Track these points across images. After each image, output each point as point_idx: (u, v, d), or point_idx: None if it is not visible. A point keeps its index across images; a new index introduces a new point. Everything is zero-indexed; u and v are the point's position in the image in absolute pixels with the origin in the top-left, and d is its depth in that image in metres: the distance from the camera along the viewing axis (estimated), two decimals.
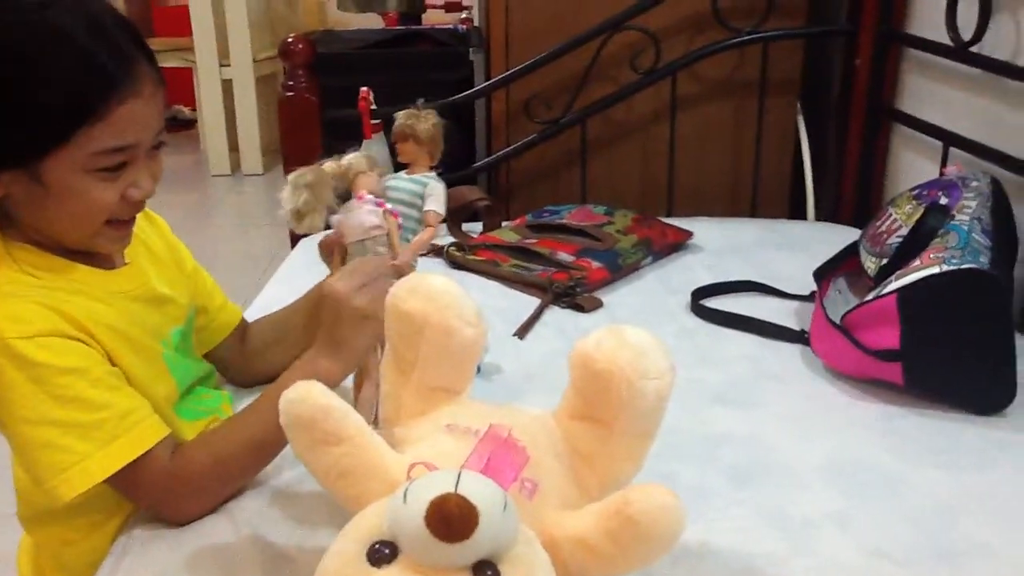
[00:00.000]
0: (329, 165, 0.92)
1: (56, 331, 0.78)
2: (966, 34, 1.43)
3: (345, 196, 0.92)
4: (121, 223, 0.84)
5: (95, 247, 0.85)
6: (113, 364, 0.82)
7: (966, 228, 1.11)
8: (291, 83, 1.70)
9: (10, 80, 0.75)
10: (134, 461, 0.79)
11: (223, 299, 1.08)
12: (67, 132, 0.76)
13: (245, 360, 1.07)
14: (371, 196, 0.94)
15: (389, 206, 0.93)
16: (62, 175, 0.78)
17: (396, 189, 0.95)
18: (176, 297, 0.95)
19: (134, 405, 0.81)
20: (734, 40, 1.75)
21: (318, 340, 0.86)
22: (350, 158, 0.90)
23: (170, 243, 1.01)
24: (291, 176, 0.88)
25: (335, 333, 0.85)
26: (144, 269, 0.93)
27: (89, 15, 0.77)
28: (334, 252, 0.93)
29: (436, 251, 1.55)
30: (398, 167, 1.11)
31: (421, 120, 0.95)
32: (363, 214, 0.92)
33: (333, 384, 0.84)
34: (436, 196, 0.94)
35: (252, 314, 1.14)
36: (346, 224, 0.91)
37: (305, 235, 0.90)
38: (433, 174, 0.96)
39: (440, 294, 0.76)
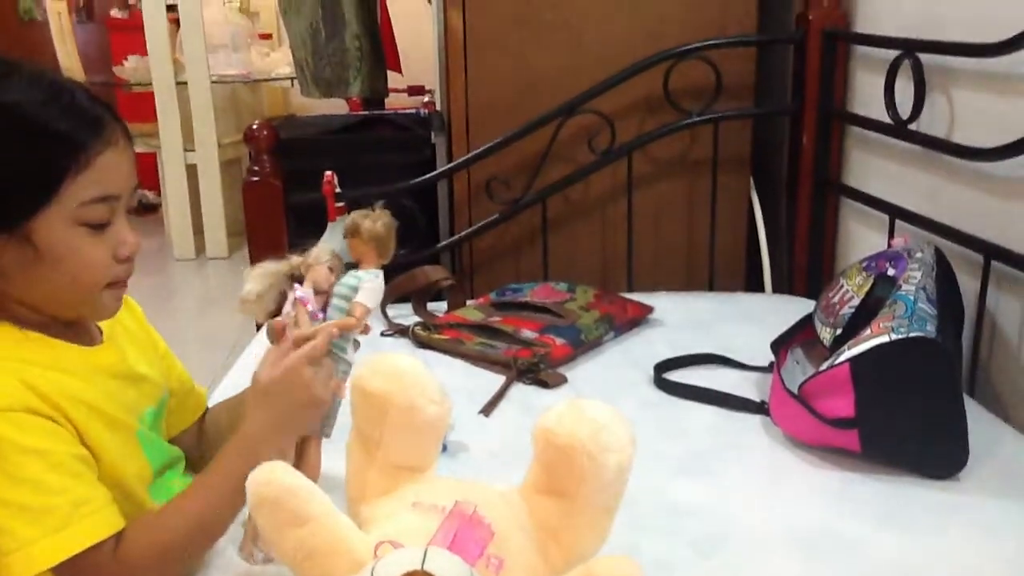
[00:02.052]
0: (296, 259, 0.95)
1: (26, 407, 0.78)
2: (904, 112, 1.51)
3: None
4: (118, 284, 0.86)
5: (95, 311, 0.87)
6: (84, 442, 0.81)
7: (912, 297, 1.15)
8: (256, 168, 1.73)
9: (2, 135, 0.78)
10: (82, 552, 0.77)
11: (191, 384, 1.08)
12: (55, 185, 0.78)
13: (203, 447, 1.06)
14: (299, 286, 0.96)
15: (299, 294, 0.94)
16: (53, 233, 0.79)
17: (340, 284, 0.98)
18: (152, 377, 0.96)
19: (92, 495, 0.80)
20: (686, 121, 1.82)
21: (258, 422, 0.87)
22: (316, 251, 0.93)
23: (145, 327, 1.02)
24: (265, 266, 0.91)
25: (285, 413, 0.87)
26: (122, 346, 0.93)
27: (54, 78, 0.83)
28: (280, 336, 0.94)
29: (401, 331, 1.56)
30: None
31: (369, 219, 0.98)
32: (288, 303, 0.94)
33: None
34: (367, 290, 0.97)
35: (216, 400, 1.14)
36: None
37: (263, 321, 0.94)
38: (374, 271, 0.99)
39: (403, 373, 0.78)
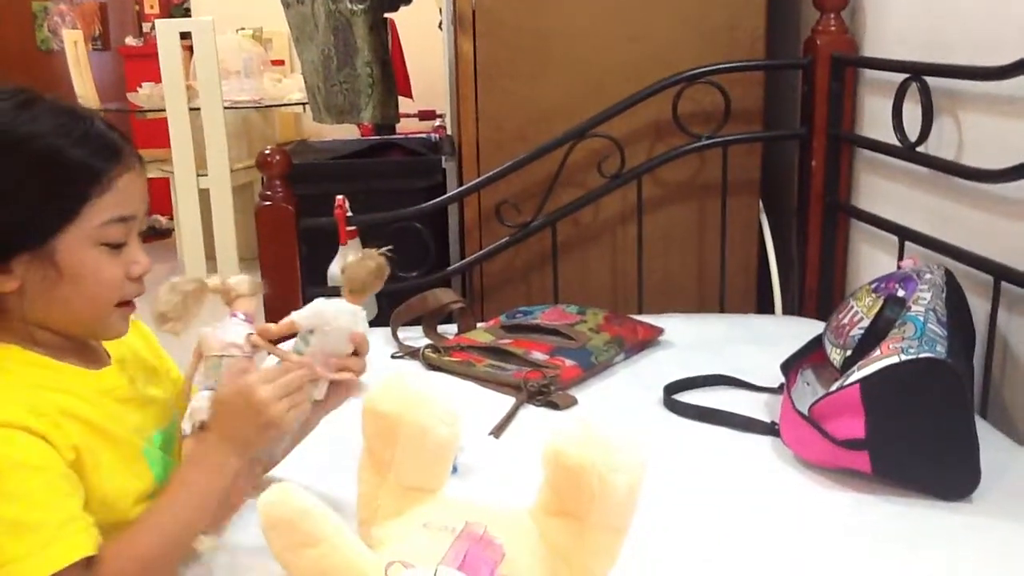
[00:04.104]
0: (213, 281, 0.96)
1: (23, 426, 0.79)
2: (912, 135, 1.51)
3: None
4: (128, 304, 0.90)
5: (106, 329, 0.90)
6: (80, 457, 0.82)
7: (922, 319, 1.15)
8: (268, 193, 1.74)
9: (28, 162, 0.82)
10: (64, 569, 0.77)
11: None
12: (76, 206, 0.83)
13: None
14: (242, 314, 0.96)
15: (242, 317, 0.95)
16: (74, 252, 0.84)
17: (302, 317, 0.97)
18: (161, 400, 0.97)
19: (79, 513, 0.80)
20: (695, 145, 1.83)
21: (220, 431, 0.88)
22: (236, 279, 0.95)
23: (158, 353, 1.04)
24: (172, 280, 0.92)
25: (240, 431, 0.87)
26: (129, 371, 0.95)
27: (74, 108, 0.87)
28: (193, 360, 0.95)
29: (412, 353, 1.57)
30: None
31: (354, 258, 0.96)
32: (227, 330, 0.94)
33: (228, 479, 0.87)
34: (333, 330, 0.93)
35: None
36: (209, 337, 0.94)
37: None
38: (349, 304, 0.95)
39: (414, 394, 0.79)
